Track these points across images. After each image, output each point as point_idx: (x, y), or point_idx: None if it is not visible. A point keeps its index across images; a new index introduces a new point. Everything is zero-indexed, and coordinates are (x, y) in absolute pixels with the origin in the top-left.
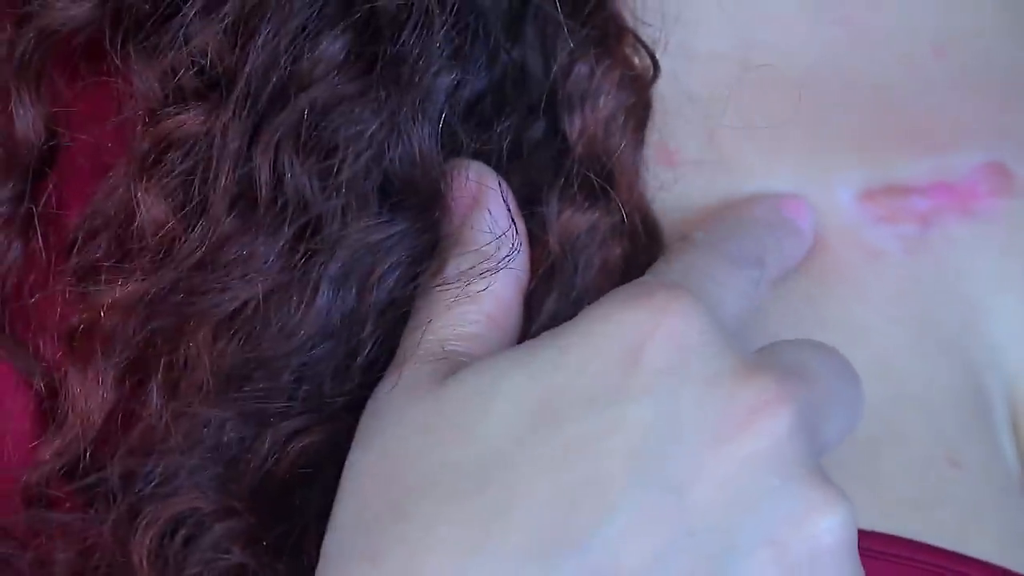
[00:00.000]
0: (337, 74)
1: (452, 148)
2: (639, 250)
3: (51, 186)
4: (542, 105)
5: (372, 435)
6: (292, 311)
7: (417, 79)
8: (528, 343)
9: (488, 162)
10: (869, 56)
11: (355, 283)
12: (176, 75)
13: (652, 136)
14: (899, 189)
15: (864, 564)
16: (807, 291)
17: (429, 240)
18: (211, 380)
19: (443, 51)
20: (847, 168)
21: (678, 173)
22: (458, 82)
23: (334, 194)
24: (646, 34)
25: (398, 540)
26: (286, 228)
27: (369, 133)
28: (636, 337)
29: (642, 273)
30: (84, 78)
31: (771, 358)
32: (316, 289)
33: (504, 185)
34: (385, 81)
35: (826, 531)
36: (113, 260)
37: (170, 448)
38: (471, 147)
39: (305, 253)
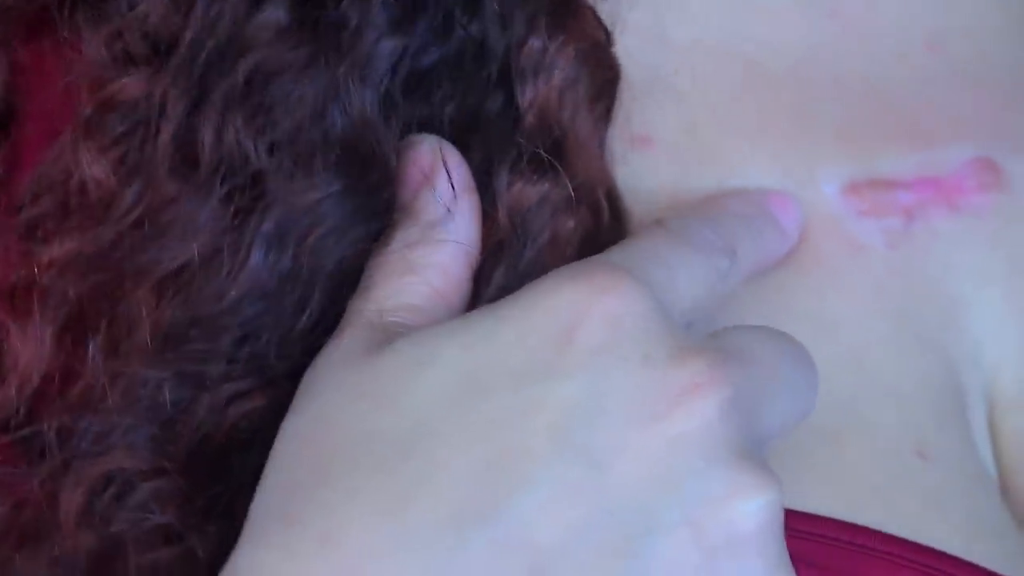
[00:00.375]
0: (280, 39)
1: (407, 120)
2: (602, 229)
3: (6, 152)
4: (497, 78)
5: (305, 400)
6: (225, 271)
7: (357, 45)
8: (465, 315)
9: (446, 135)
10: (861, 49)
11: (291, 245)
12: (121, 40)
13: (629, 122)
14: (884, 183)
15: (817, 551)
16: (781, 281)
17: (371, 206)
18: (149, 340)
19: (383, 18)
20: (832, 161)
21: (656, 161)
22: (404, 51)
23: (271, 155)
24: (629, 21)
25: (318, 505)
26: (224, 189)
27: (310, 97)
28: (572, 315)
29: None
30: (38, 46)
31: (714, 342)
32: (249, 249)
33: (459, 158)
34: (326, 46)
35: (746, 515)
36: (56, 219)
37: (107, 407)
38: (426, 119)
39: (240, 212)
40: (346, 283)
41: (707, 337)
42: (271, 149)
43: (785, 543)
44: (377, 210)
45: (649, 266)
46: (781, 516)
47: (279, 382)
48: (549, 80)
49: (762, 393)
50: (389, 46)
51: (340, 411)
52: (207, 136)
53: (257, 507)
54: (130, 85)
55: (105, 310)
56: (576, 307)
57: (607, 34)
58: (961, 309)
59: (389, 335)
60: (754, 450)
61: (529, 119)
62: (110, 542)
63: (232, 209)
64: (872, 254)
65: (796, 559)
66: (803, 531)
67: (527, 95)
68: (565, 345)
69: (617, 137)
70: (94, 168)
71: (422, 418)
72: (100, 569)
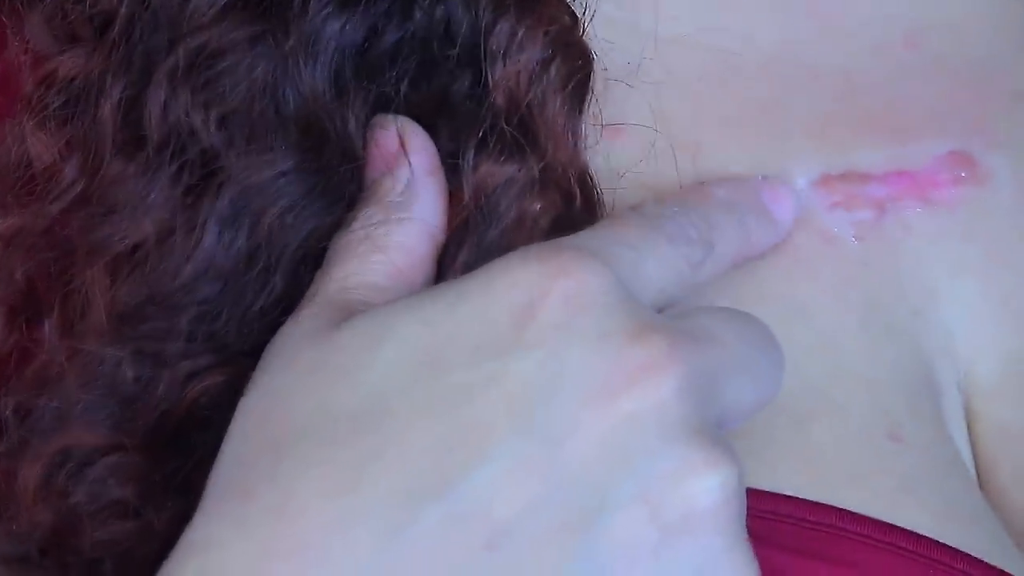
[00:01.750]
0: (228, 15)
1: (368, 99)
2: (574, 213)
3: None
4: (467, 60)
5: (263, 376)
6: (180, 250)
7: (303, 22)
8: (424, 291)
9: (412, 116)
10: (837, 44)
11: (247, 224)
12: (65, 18)
13: (601, 112)
14: (857, 175)
15: (787, 533)
16: (752, 266)
17: (330, 184)
18: (106, 319)
19: None
20: (805, 154)
21: (629, 150)
22: (357, 29)
23: (221, 131)
24: (603, 12)
25: (272, 479)
26: (175, 168)
27: (259, 74)
28: (532, 292)
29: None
30: None
31: (676, 322)
32: (204, 228)
33: (425, 138)
34: (272, 24)
35: (702, 492)
36: (2, 195)
37: (65, 385)
38: (388, 98)
39: (192, 191)
40: (310, 262)
41: (670, 317)
42: (221, 125)
43: (744, 522)
44: (338, 189)
45: (615, 248)
46: (740, 495)
47: (240, 359)
48: (518, 62)
49: (722, 373)
50: (337, 24)
51: (296, 387)
52: (153, 112)
53: (212, 481)
54: (68, 62)
55: (58, 289)
56: (537, 284)
57: (575, 20)
58: (934, 299)
59: (349, 312)
60: (712, 429)
61: (497, 100)
62: (68, 516)
63: (183, 187)
64: (842, 245)
65: (765, 541)
66: (773, 512)
67: (496, 76)
68: (524, 321)
69: (591, 125)
70: (35, 144)
71: (378, 393)
72: (58, 543)
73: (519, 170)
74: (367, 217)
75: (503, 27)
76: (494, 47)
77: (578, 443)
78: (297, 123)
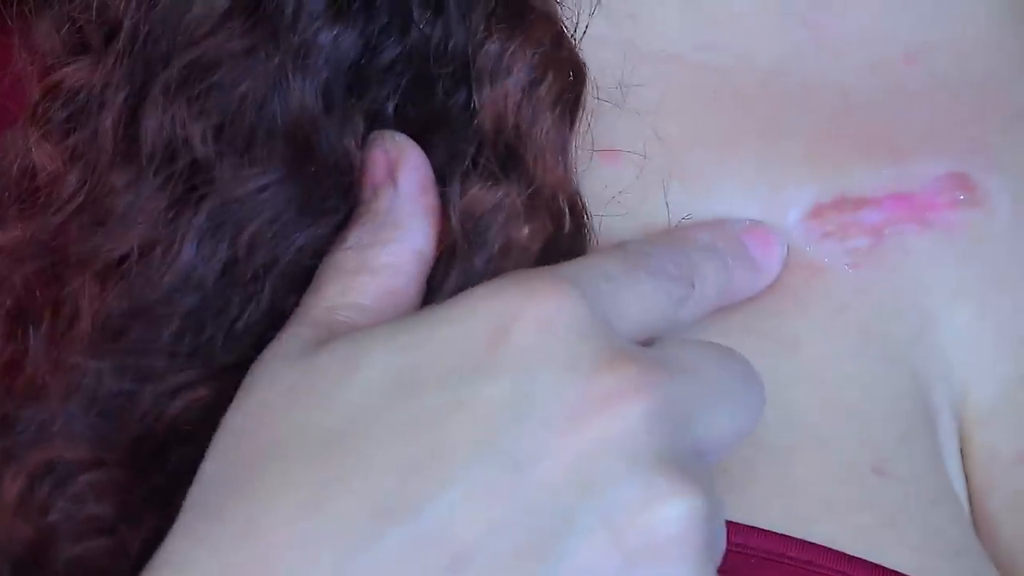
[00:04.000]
0: (219, 28)
1: (361, 114)
2: (563, 236)
3: None
4: (460, 77)
5: (245, 394)
6: (160, 262)
7: (293, 35)
8: (403, 317)
9: (407, 133)
10: (834, 61)
11: (227, 237)
12: (74, 27)
13: (596, 134)
14: (852, 201)
15: (757, 568)
16: (741, 303)
17: (316, 199)
18: (90, 329)
19: (319, 8)
20: (800, 178)
21: (622, 173)
22: (350, 44)
23: (213, 146)
24: (595, 32)
25: (243, 497)
26: (164, 179)
27: (249, 86)
28: (505, 317)
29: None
30: None
31: (651, 352)
32: (183, 241)
33: (421, 157)
34: (264, 36)
35: (667, 520)
36: (4, 205)
37: (48, 396)
38: (382, 114)
39: (178, 204)
40: (299, 278)
41: (646, 348)
42: (211, 138)
43: (713, 552)
44: (325, 204)
45: (594, 280)
46: (708, 524)
47: (225, 375)
48: (504, 84)
49: (696, 405)
50: (328, 37)
51: (274, 406)
52: (149, 124)
53: (190, 499)
54: (74, 72)
55: (48, 298)
56: (511, 310)
57: (563, 39)
58: (932, 325)
59: (332, 333)
60: (683, 459)
61: (485, 123)
62: (45, 532)
63: (168, 199)
64: (833, 275)
65: (732, 574)
66: (743, 545)
67: (483, 98)
68: (496, 346)
69: (583, 148)
70: (39, 154)
71: (351, 416)
72: (32, 557)
73: (506, 195)
74: (360, 236)
75: (491, 48)
76: (481, 67)
77: (543, 468)
78: (285, 136)
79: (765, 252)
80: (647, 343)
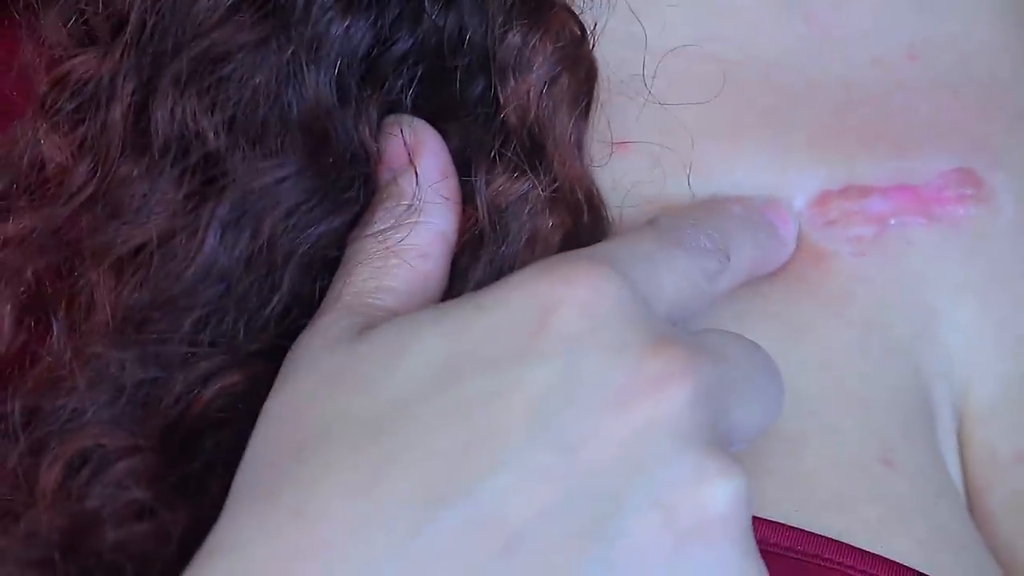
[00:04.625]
0: (229, 20)
1: (376, 104)
2: (581, 229)
3: None
4: (477, 68)
5: (286, 382)
6: (182, 254)
7: (305, 27)
8: (447, 303)
9: (423, 119)
10: (836, 55)
11: (248, 227)
12: (81, 19)
13: (605, 126)
14: (859, 189)
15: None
16: (754, 285)
17: (335, 188)
18: (111, 320)
19: (330, 1)
20: (806, 168)
21: (633, 165)
22: (364, 35)
23: (226, 136)
24: (607, 26)
25: (293, 481)
26: (179, 171)
27: (262, 78)
28: (548, 303)
29: None
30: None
31: (690, 337)
32: (205, 231)
33: (440, 142)
34: (275, 28)
35: (717, 500)
36: (13, 196)
37: (75, 386)
38: (396, 104)
39: (196, 195)
40: (322, 266)
41: (684, 332)
42: (225, 130)
43: (753, 533)
44: (343, 193)
45: (631, 260)
46: (750, 506)
47: (255, 362)
48: (528, 77)
49: (733, 391)
50: (339, 29)
51: (319, 393)
52: (160, 116)
53: (237, 484)
54: (82, 63)
55: (66, 289)
56: (552, 295)
57: (584, 33)
58: (935, 320)
59: (369, 318)
60: (723, 442)
61: (510, 117)
62: (84, 518)
63: (186, 190)
64: (837, 262)
65: None
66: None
67: (507, 92)
68: (540, 331)
69: (596, 140)
70: (48, 145)
71: (398, 401)
72: (76, 545)
73: (531, 186)
74: (383, 220)
75: (513, 40)
76: (503, 61)
77: (594, 450)
78: (300, 127)
79: (785, 227)
80: (679, 322)
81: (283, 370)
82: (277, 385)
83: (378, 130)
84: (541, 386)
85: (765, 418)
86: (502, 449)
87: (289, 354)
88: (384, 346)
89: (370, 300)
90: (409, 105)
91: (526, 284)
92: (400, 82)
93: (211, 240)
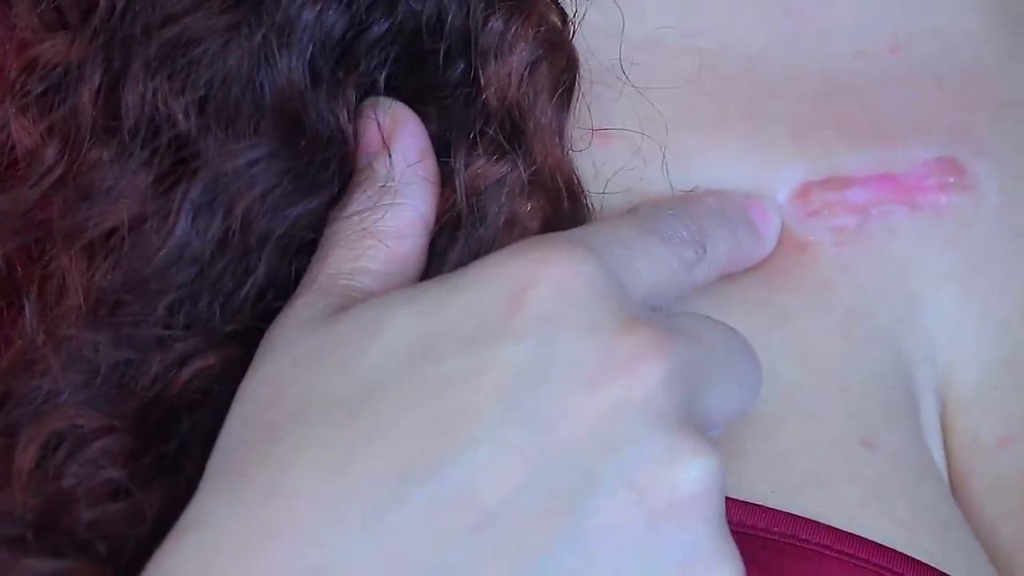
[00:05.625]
0: (200, 6)
1: (352, 87)
2: (561, 215)
3: None
4: (456, 51)
5: (262, 362)
6: (154, 236)
7: (276, 11)
8: (421, 283)
9: (401, 101)
10: (818, 47)
11: (220, 210)
12: (46, 5)
13: (586, 116)
14: (840, 179)
15: (743, 544)
16: (736, 277)
17: (309, 171)
18: (83, 303)
19: None
20: (788, 160)
21: (614, 154)
22: (336, 19)
23: (197, 119)
24: (587, 17)
25: (267, 459)
26: (149, 153)
27: (234, 62)
28: (523, 283)
29: None
30: None
31: (664, 320)
32: (177, 215)
33: (418, 124)
34: (247, 13)
35: (689, 480)
36: None
37: (48, 368)
38: (372, 88)
39: (168, 178)
40: (299, 248)
41: (659, 315)
42: (195, 112)
43: (725, 514)
44: (318, 176)
45: (608, 244)
46: (722, 486)
47: (231, 343)
48: (509, 62)
49: (708, 374)
50: (312, 14)
51: (294, 373)
52: (130, 98)
53: (212, 462)
54: (51, 48)
55: (36, 273)
56: (527, 274)
57: (565, 20)
58: (918, 306)
59: (345, 299)
60: (697, 423)
61: (490, 99)
62: (59, 498)
63: (156, 173)
64: (819, 252)
65: None
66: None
67: (488, 74)
68: (514, 310)
69: (577, 127)
70: (17, 129)
71: (372, 380)
72: (51, 524)
73: (510, 170)
74: (361, 202)
75: (495, 25)
76: (485, 45)
77: (566, 428)
78: (273, 110)
79: (764, 222)
80: (658, 308)
81: (259, 351)
82: (253, 365)
83: (356, 113)
84: (514, 365)
85: (742, 403)
86: (474, 427)
87: (266, 335)
88: (359, 326)
89: (346, 281)
90: (388, 87)
91: (502, 264)
92: (375, 63)
93: (183, 223)
